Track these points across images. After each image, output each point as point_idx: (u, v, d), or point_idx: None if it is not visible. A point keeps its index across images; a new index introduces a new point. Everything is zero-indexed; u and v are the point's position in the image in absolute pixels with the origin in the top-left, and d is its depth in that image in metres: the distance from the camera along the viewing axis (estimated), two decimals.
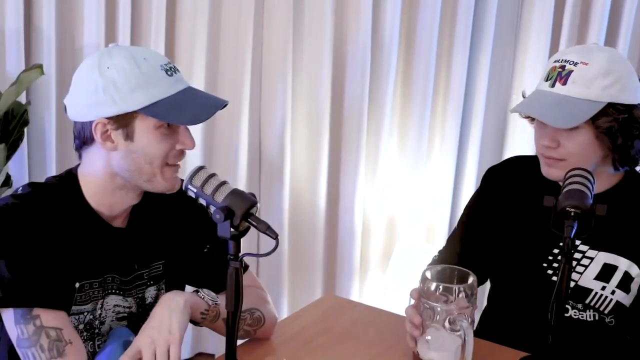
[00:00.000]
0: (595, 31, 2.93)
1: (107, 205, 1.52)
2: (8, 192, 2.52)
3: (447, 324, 1.44)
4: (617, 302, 1.68)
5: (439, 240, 3.26)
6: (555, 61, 1.64)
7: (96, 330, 1.56)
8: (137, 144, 1.44)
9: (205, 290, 1.56)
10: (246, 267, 1.71)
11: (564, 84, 1.59)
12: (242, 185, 3.05)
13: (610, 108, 1.58)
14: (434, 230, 3.28)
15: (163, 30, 2.90)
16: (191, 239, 1.66)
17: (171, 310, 1.45)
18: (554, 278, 1.69)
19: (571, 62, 1.60)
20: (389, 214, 3.33)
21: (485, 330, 1.86)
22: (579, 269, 1.70)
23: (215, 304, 1.54)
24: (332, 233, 3.28)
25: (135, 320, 1.61)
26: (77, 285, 1.49)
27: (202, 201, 1.43)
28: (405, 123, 3.21)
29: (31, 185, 1.51)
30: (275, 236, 1.38)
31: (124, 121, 1.43)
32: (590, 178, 1.55)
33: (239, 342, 1.58)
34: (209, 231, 1.65)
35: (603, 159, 1.66)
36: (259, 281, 1.80)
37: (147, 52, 1.47)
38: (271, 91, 3.08)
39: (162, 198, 1.56)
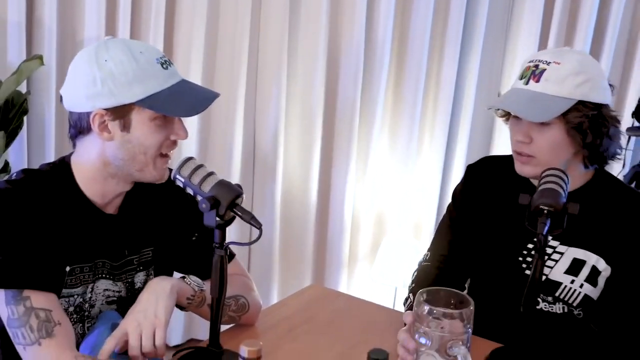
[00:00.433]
0: (582, 34, 2.95)
1: (99, 193, 1.54)
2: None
3: (443, 350, 1.36)
4: (585, 295, 1.70)
5: (426, 236, 3.28)
6: (529, 61, 1.68)
7: (86, 313, 1.57)
8: (133, 134, 1.46)
9: (191, 276, 1.58)
10: (232, 256, 1.73)
11: (537, 81, 1.62)
12: (236, 181, 3.06)
13: (581, 105, 1.61)
14: (421, 226, 3.31)
15: (162, 30, 2.91)
16: (180, 227, 1.67)
17: (158, 295, 1.47)
18: (528, 272, 1.71)
19: (544, 62, 1.63)
20: (378, 210, 3.35)
21: None
22: (550, 263, 1.72)
23: (201, 289, 1.56)
24: (322, 227, 3.30)
25: (125, 304, 1.61)
26: (67, 268, 1.50)
27: (190, 191, 1.46)
28: (396, 122, 3.23)
29: (25, 171, 1.53)
30: (259, 226, 1.41)
31: (121, 112, 1.44)
32: (565, 178, 1.57)
33: (225, 327, 1.63)
34: (197, 220, 1.66)
35: (574, 157, 1.68)
36: (245, 270, 1.82)
37: (142, 46, 1.48)
38: (266, 90, 3.10)
39: (153, 187, 1.57)
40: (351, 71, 3.08)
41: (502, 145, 3.12)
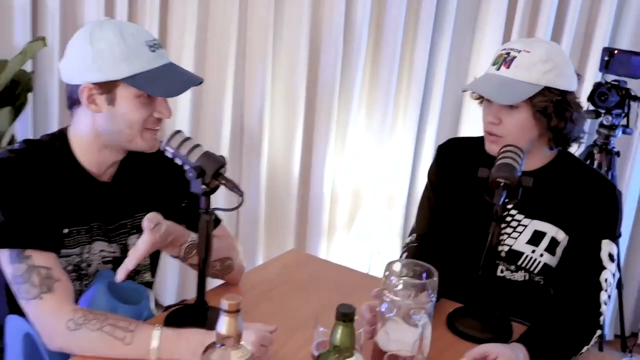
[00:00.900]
0: (543, 26, 2.96)
1: (94, 162, 1.55)
2: None
3: (407, 317, 1.37)
4: (545, 264, 1.73)
5: (399, 208, 3.30)
6: (502, 49, 1.69)
7: (83, 272, 1.58)
8: (118, 109, 1.47)
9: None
10: (218, 221, 1.75)
11: (508, 67, 1.64)
12: (225, 156, 3.04)
13: (547, 91, 1.63)
14: (394, 199, 3.32)
15: (157, 15, 2.90)
16: (170, 194, 1.68)
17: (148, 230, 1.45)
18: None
19: (515, 50, 1.65)
20: (355, 183, 3.36)
21: None
22: (514, 235, 1.75)
23: (193, 242, 1.56)
24: (303, 198, 3.32)
25: (119, 263, 1.59)
26: (65, 230, 1.51)
27: (178, 161, 1.47)
28: (372, 103, 3.24)
29: (26, 141, 1.53)
30: (240, 193, 1.43)
31: (107, 88, 1.45)
32: (520, 154, 1.60)
33: (211, 287, 1.64)
34: (186, 188, 1.68)
35: (539, 138, 1.70)
36: (230, 234, 1.83)
37: (134, 28, 1.48)
38: (253, 72, 3.10)
39: (145, 157, 1.58)
40: (331, 55, 3.08)
41: (469, 124, 3.13)
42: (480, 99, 1.75)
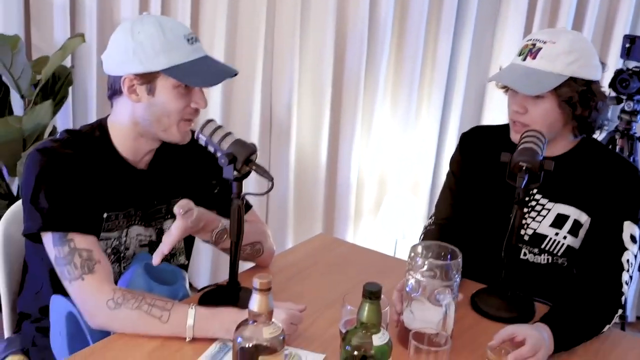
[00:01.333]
0: (565, 14, 2.92)
1: (131, 150, 1.57)
2: None
3: (432, 297, 1.38)
4: (568, 246, 1.71)
5: (423, 194, 3.29)
6: (527, 40, 1.67)
7: (122, 255, 1.61)
8: (157, 99, 1.48)
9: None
10: (249, 207, 1.76)
11: (534, 58, 1.62)
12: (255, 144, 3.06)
13: (572, 81, 1.61)
14: (418, 185, 3.31)
15: (189, 10, 2.92)
16: (203, 181, 1.69)
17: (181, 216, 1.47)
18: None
19: (541, 41, 1.63)
20: (380, 170, 3.35)
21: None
22: (538, 218, 1.73)
23: (225, 227, 1.57)
24: (331, 184, 3.32)
25: (155, 247, 1.61)
26: (104, 215, 1.53)
27: (211, 148, 1.49)
28: (397, 92, 3.22)
29: (67, 131, 1.56)
30: (270, 178, 1.44)
31: (147, 79, 1.47)
32: (542, 138, 1.59)
33: (242, 269, 1.65)
34: (218, 174, 1.69)
35: (564, 127, 1.68)
36: (260, 219, 1.84)
37: (173, 22, 1.50)
38: (281, 64, 3.10)
39: (179, 145, 1.59)
40: (356, 46, 3.06)
41: (492, 112, 3.11)
42: (506, 88, 1.73)
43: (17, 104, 2.65)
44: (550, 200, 1.72)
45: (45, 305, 1.55)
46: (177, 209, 1.43)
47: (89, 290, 1.41)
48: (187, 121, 1.53)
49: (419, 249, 1.46)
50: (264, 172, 1.45)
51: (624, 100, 2.66)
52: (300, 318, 1.43)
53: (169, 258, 1.71)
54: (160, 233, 1.66)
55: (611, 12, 2.96)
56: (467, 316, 1.58)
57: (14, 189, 2.71)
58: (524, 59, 1.64)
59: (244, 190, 1.49)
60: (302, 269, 1.81)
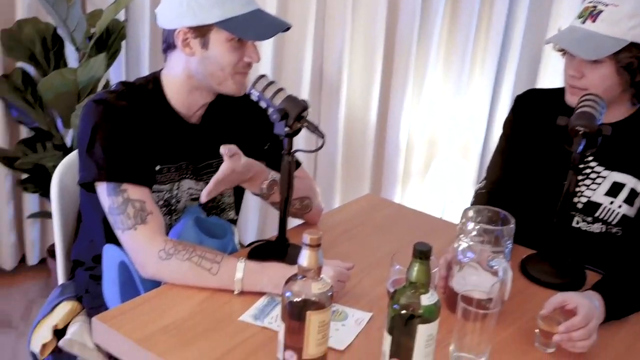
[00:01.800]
0: None
1: (184, 104, 1.57)
2: None
3: (484, 263, 1.36)
4: (623, 215, 1.68)
5: (473, 158, 3.25)
6: (589, 2, 1.62)
7: (173, 207, 1.62)
8: (211, 52, 1.48)
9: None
10: (299, 164, 1.75)
11: (594, 21, 1.57)
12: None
13: (633, 47, 1.56)
14: (469, 148, 3.27)
15: None
16: (254, 136, 1.70)
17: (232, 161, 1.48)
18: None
19: (603, 4, 1.57)
20: (430, 132, 3.33)
21: None
22: (593, 186, 1.70)
23: (274, 179, 1.57)
24: (380, 146, 3.30)
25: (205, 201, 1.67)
26: (157, 167, 1.55)
27: (263, 104, 1.48)
28: (450, 52, 3.18)
29: (122, 83, 1.57)
30: (322, 136, 1.43)
31: (201, 32, 1.47)
32: (600, 102, 1.54)
33: (291, 226, 1.66)
34: (269, 131, 1.69)
35: (622, 93, 1.64)
36: (310, 176, 1.84)
37: None
38: (333, 20, 3.06)
39: (232, 100, 1.59)
40: (410, 6, 3.01)
41: (547, 77, 3.04)
42: (563, 51, 1.68)
43: (71, 56, 2.68)
44: (606, 168, 1.69)
45: (98, 253, 1.58)
46: (223, 149, 1.43)
47: (141, 240, 1.43)
48: (242, 74, 1.53)
49: (470, 213, 1.44)
50: (315, 129, 1.44)
51: None
52: (347, 276, 1.43)
53: (218, 213, 1.72)
54: None
55: None
56: (516, 281, 1.55)
57: (68, 141, 2.76)
58: (584, 22, 1.59)
59: (294, 147, 1.48)
60: (349, 228, 1.80)
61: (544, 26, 3.05)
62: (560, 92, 1.72)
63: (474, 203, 1.77)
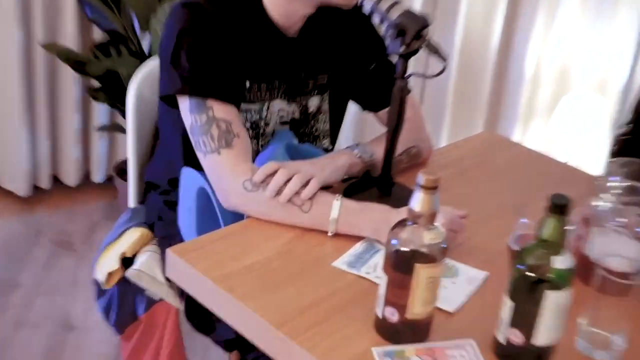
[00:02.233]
0: None
1: (283, 14, 1.55)
2: None
3: (631, 228, 1.30)
4: None
5: (612, 95, 3.13)
6: None
7: (261, 131, 1.62)
8: None
9: (361, 146, 1.59)
10: (408, 91, 1.71)
11: None
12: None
13: None
14: (607, 83, 3.14)
15: None
16: (359, 55, 1.67)
17: (332, 160, 1.53)
18: None
19: None
20: (562, 65, 3.21)
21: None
22: None
23: (371, 157, 1.57)
24: (500, 76, 3.24)
25: (297, 126, 1.66)
26: (247, 84, 1.54)
27: (376, 17, 1.44)
28: None
29: None
30: (444, 59, 1.39)
31: None
32: None
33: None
34: (376, 49, 1.66)
35: None
36: (417, 104, 1.81)
37: None
38: None
39: (335, 13, 1.57)
40: None
41: None
42: None
43: None
44: None
45: (175, 177, 1.59)
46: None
47: (225, 166, 1.43)
48: None
49: (614, 165, 1.37)
50: (436, 51, 1.40)
51: None
52: (461, 225, 1.40)
53: (311, 140, 1.73)
54: (304, 111, 1.67)
55: None
56: None
57: (146, 47, 2.79)
58: None
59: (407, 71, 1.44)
60: (463, 169, 1.78)
61: None
62: None
63: (614, 151, 1.70)
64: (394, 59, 1.46)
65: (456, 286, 1.30)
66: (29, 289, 2.64)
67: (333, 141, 1.80)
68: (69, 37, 2.91)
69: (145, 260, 1.60)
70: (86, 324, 2.50)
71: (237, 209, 1.44)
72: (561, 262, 1.06)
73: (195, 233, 1.51)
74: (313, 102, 1.67)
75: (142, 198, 1.79)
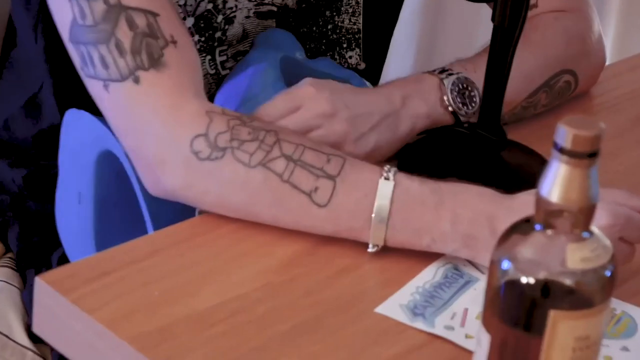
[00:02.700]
0: None
1: None
2: None
3: None
4: None
5: None
6: None
7: (217, 34, 1.64)
8: None
9: (458, 67, 1.66)
10: None
11: None
12: None
13: None
14: None
15: None
16: None
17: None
18: None
19: None
20: None
21: None
22: None
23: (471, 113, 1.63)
24: None
25: (292, 22, 1.70)
26: None
27: None
28: None
29: None
30: None
31: None
32: None
33: None
34: None
35: None
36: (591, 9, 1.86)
37: None
38: None
39: None
40: None
41: None
42: None
43: None
44: None
45: (45, 127, 1.63)
46: None
47: (152, 108, 1.42)
48: None
49: None
50: None
51: None
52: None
53: (332, 55, 1.76)
54: None
55: None
56: None
57: None
58: None
59: None
60: None
61: None
62: None
63: None
64: None
65: (633, 355, 1.30)
66: None
67: (366, 56, 1.82)
68: None
69: None
70: None
71: (180, 196, 1.43)
72: None
73: (93, 243, 1.53)
74: None
75: None
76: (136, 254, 1.36)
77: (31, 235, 1.67)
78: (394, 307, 1.31)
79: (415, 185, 1.37)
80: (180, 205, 1.44)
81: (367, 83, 1.74)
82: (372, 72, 1.88)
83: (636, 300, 1.36)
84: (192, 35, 1.59)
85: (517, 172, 1.43)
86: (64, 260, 1.66)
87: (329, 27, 1.74)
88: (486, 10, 1.63)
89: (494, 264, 1.07)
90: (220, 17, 1.63)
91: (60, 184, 1.59)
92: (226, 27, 1.64)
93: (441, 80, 1.61)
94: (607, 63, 2.19)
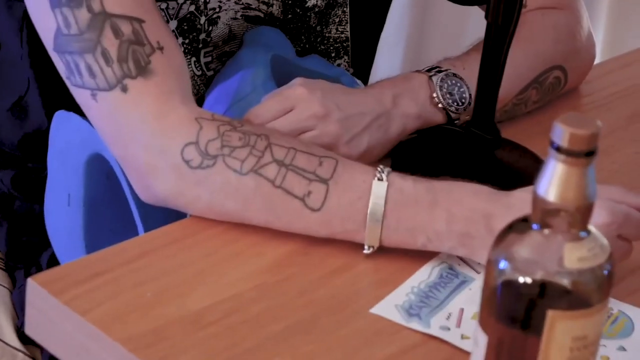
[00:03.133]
0: None
1: None
2: None
3: None
4: None
5: None
6: None
7: (202, 36, 1.64)
8: None
9: (447, 65, 1.68)
10: None
11: None
12: None
13: None
14: None
15: None
16: None
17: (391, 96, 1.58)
18: None
19: None
20: None
21: None
22: None
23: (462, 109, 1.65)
24: None
25: (277, 23, 1.70)
26: None
27: None
28: None
29: None
30: None
31: None
32: None
33: None
34: None
35: None
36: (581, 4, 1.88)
37: None
38: None
39: None
40: None
41: None
42: None
43: None
44: None
45: (30, 131, 1.63)
46: None
47: (140, 116, 1.42)
48: None
49: None
50: None
51: None
52: (638, 224, 1.40)
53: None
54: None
55: None
56: None
57: None
58: None
59: None
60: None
61: None
62: None
63: None
64: None
65: (630, 355, 1.30)
66: None
67: (359, 64, 1.84)
68: None
69: None
70: None
71: (171, 203, 1.44)
72: None
73: (83, 245, 1.53)
74: None
75: None
76: (128, 255, 1.36)
77: (20, 235, 1.68)
78: (389, 307, 1.31)
79: (409, 184, 1.38)
80: (175, 211, 1.45)
81: (358, 81, 1.75)
82: (360, 76, 1.89)
83: (633, 298, 1.37)
84: (176, 37, 1.59)
85: (511, 170, 1.44)
86: (53, 260, 1.68)
87: (318, 39, 1.75)
88: (474, 9, 1.65)
89: (491, 264, 1.07)
90: (203, 19, 1.63)
91: (49, 185, 1.60)
92: (210, 28, 1.64)
93: (430, 77, 1.61)
94: (598, 61, 2.21)
